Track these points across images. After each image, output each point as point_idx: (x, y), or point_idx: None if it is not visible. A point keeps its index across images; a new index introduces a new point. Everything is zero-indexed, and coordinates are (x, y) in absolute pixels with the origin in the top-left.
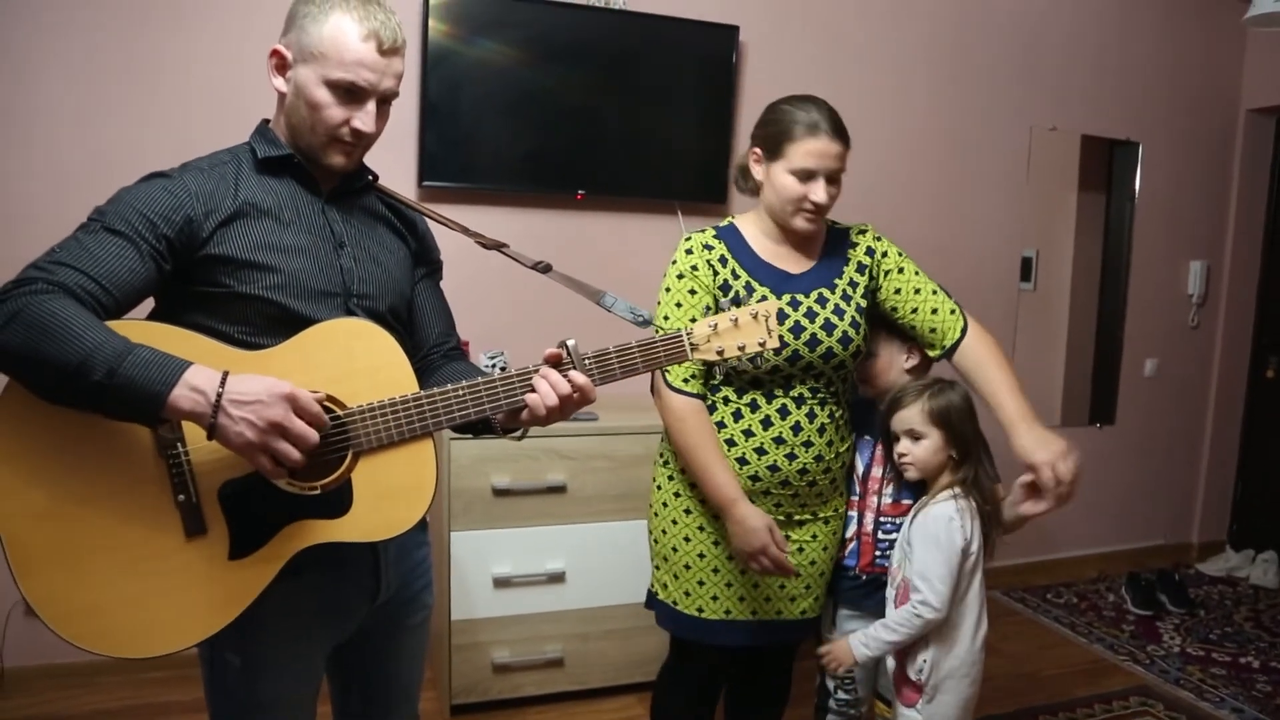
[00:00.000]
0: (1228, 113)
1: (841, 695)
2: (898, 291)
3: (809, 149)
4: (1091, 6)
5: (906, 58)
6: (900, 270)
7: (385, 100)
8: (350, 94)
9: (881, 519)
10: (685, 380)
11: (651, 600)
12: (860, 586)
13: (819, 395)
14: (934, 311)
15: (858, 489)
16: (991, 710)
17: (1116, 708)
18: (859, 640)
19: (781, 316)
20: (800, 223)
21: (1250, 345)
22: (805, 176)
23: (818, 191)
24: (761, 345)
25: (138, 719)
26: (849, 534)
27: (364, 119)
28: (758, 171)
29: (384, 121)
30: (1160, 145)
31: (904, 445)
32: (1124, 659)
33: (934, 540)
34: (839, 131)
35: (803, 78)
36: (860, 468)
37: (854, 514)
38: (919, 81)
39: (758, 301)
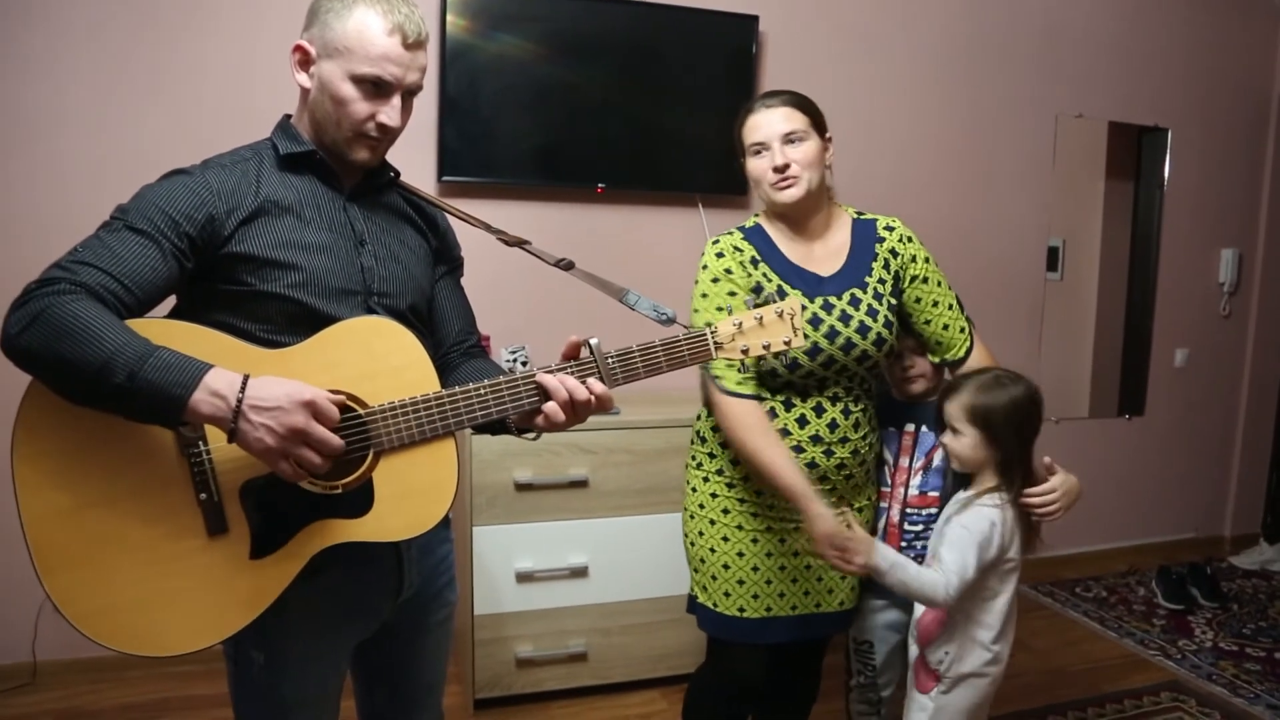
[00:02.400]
0: (1259, 97)
1: (860, 679)
2: (918, 300)
3: (751, 125)
4: None
5: (928, 46)
6: (925, 280)
7: (410, 94)
8: (376, 89)
9: (908, 510)
10: (739, 383)
11: (692, 604)
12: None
13: (853, 392)
14: (945, 327)
15: (888, 480)
16: (1020, 705)
17: (1147, 703)
18: (885, 552)
19: (815, 322)
20: (778, 194)
21: None
22: (761, 150)
23: (774, 156)
24: (786, 344)
25: (165, 712)
26: (879, 524)
27: (390, 114)
28: (747, 176)
29: (408, 115)
30: (1190, 131)
31: (945, 437)
32: (1155, 654)
33: (972, 535)
34: (776, 95)
35: (823, 67)
36: (889, 459)
37: (884, 505)
38: (941, 70)
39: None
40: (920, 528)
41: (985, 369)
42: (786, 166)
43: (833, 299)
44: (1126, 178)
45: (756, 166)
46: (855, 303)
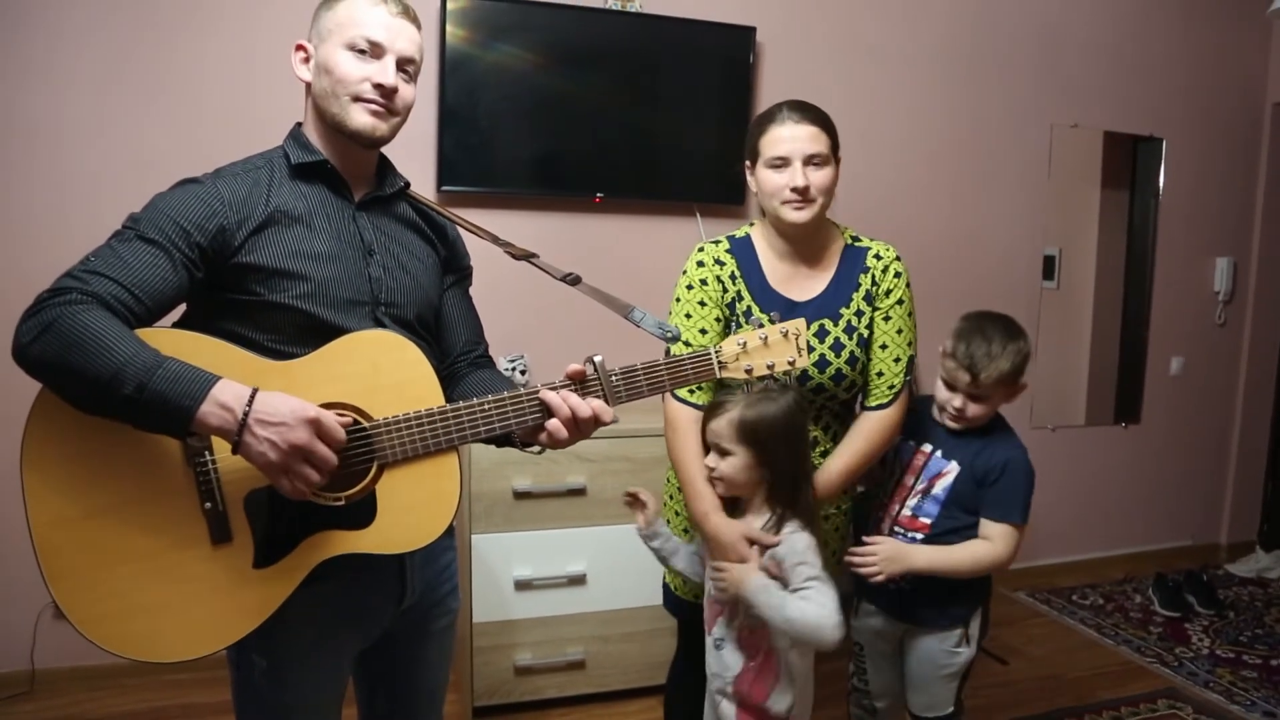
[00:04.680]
0: (1253, 106)
1: (854, 682)
2: (870, 332)
3: (774, 137)
4: (1112, 1)
5: (924, 56)
6: (887, 318)
7: (404, 65)
8: (368, 53)
9: (896, 528)
10: (689, 391)
11: (665, 593)
12: (880, 586)
13: (809, 415)
14: (879, 374)
15: (889, 490)
16: (1017, 713)
17: (1144, 710)
18: (762, 585)
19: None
20: (790, 213)
21: (1279, 342)
22: (781, 165)
23: (795, 176)
24: (791, 364)
25: None
26: (873, 531)
27: (383, 73)
28: (752, 184)
29: (410, 92)
30: (1184, 141)
31: (711, 459)
32: (1152, 661)
33: (814, 564)
34: (804, 111)
35: (820, 78)
36: (897, 472)
37: (880, 514)
38: (937, 80)
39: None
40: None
41: (757, 390)
42: (807, 189)
43: None
44: (1122, 187)
45: (772, 180)
46: (822, 335)
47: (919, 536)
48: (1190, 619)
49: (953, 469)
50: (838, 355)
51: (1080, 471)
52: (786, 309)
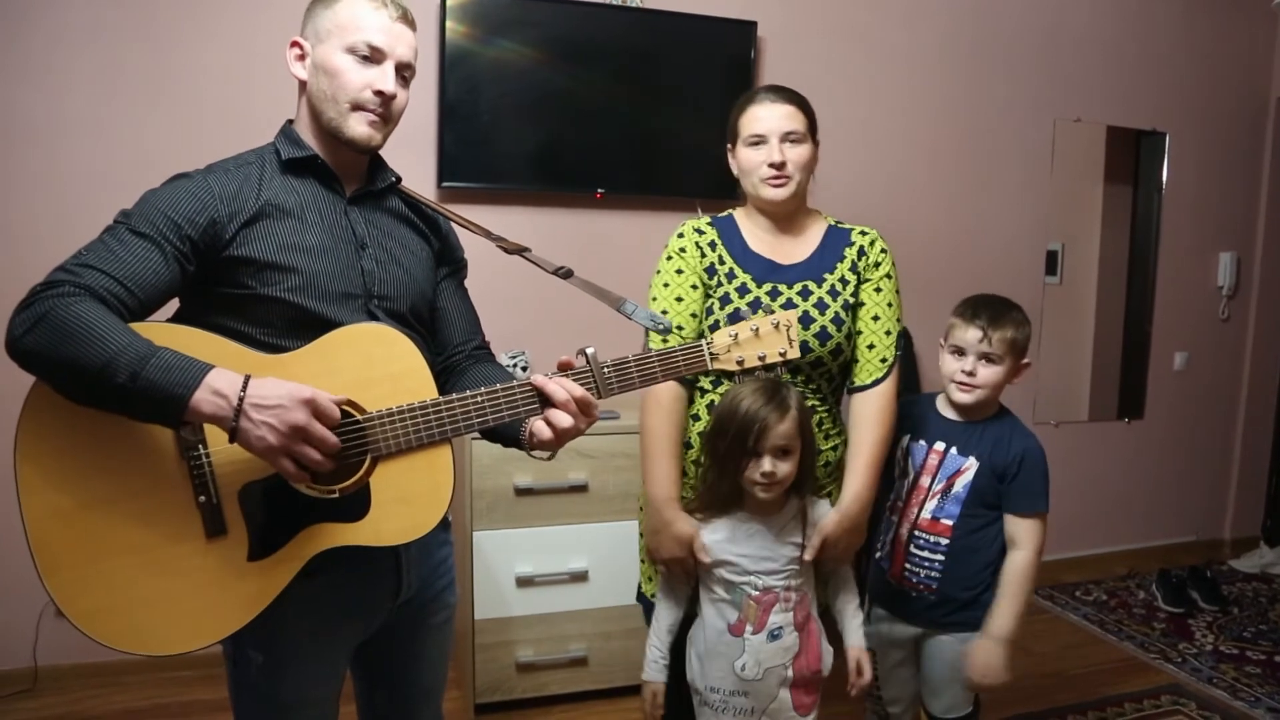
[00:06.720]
0: (1257, 101)
1: (871, 689)
2: (861, 305)
3: (751, 116)
4: None
5: (926, 50)
6: (878, 290)
7: (401, 70)
8: (368, 58)
9: (916, 532)
10: None
11: (638, 595)
12: (896, 592)
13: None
14: (870, 346)
15: (904, 494)
16: (1020, 709)
17: (1148, 707)
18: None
19: (756, 305)
20: (768, 190)
21: None
22: (758, 142)
23: (772, 152)
24: (782, 355)
25: (165, 717)
26: (886, 537)
27: (383, 80)
28: (733, 165)
29: (404, 98)
30: (1188, 135)
31: (768, 464)
32: (1155, 657)
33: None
34: (780, 92)
35: (821, 72)
36: (911, 474)
37: (895, 519)
38: (938, 74)
39: (736, 289)
40: (925, 553)
41: (756, 378)
42: (783, 164)
43: (781, 286)
44: (1125, 181)
45: (751, 157)
46: (805, 294)
47: (943, 541)
48: (1194, 615)
49: (972, 465)
50: (822, 313)
51: (1083, 467)
52: (769, 270)
